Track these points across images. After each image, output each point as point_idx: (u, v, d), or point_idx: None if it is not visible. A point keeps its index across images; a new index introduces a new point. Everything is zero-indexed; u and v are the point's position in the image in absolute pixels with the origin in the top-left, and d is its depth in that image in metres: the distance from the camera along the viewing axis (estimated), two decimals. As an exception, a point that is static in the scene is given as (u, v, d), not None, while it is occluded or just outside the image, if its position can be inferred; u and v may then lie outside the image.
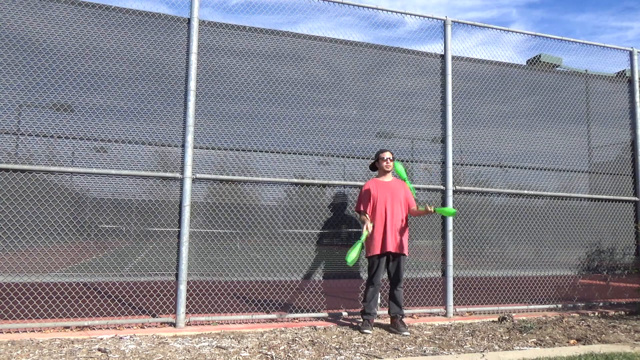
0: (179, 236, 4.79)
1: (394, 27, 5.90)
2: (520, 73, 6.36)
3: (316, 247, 5.32)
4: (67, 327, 4.47)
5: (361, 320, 5.01)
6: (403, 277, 4.96)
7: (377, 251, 4.86)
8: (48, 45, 4.63)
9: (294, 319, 5.15)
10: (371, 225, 4.87)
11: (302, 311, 5.25)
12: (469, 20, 6.46)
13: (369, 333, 4.67)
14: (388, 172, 5.07)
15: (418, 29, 5.89)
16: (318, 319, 5.19)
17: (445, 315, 5.61)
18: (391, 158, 5.04)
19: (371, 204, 4.96)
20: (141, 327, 4.61)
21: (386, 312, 5.08)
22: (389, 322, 4.97)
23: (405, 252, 4.93)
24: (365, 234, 4.79)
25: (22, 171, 4.46)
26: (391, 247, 4.83)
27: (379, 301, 5.41)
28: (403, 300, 4.94)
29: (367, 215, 4.92)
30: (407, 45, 5.88)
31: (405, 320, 4.97)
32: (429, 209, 4.76)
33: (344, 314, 5.33)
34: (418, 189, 5.70)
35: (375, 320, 5.22)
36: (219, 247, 4.97)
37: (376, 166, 5.14)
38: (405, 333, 4.67)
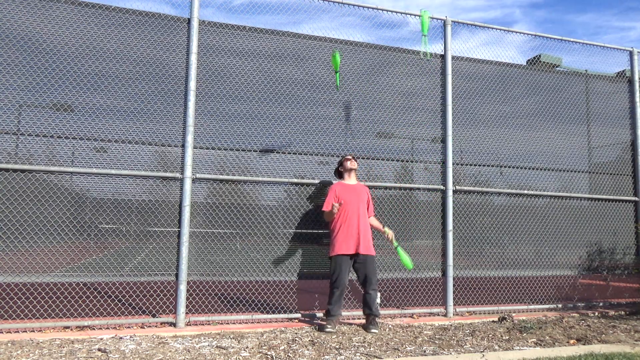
0: (179, 236, 4.79)
1: (397, 28, 5.90)
2: (520, 73, 6.36)
3: (316, 247, 5.32)
4: (67, 327, 4.47)
5: (325, 321, 4.86)
6: (376, 279, 4.92)
7: (350, 251, 4.84)
8: (48, 45, 4.63)
9: (294, 319, 5.15)
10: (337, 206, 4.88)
11: (302, 311, 5.25)
12: (472, 20, 6.45)
13: (332, 332, 4.65)
14: (352, 170, 5.13)
15: (421, 29, 5.88)
16: (318, 318, 5.19)
17: (445, 315, 5.61)
18: (352, 157, 5.18)
19: (338, 202, 4.96)
20: (141, 327, 4.61)
21: (392, 312, 5.11)
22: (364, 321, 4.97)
23: (374, 252, 4.97)
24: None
25: (22, 171, 4.46)
26: (362, 249, 4.85)
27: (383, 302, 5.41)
28: (375, 302, 4.87)
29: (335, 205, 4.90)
30: (410, 45, 5.89)
31: (405, 320, 4.97)
32: (389, 238, 5.06)
33: (344, 313, 5.32)
34: (418, 189, 5.69)
35: (381, 321, 5.22)
36: (219, 247, 4.97)
37: (340, 170, 5.21)
38: (374, 330, 4.71)
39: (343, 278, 4.83)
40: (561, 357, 3.87)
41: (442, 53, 5.97)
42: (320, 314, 5.24)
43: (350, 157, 5.17)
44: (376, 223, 5.23)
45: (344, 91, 5.55)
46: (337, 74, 5.20)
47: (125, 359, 3.63)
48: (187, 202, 4.81)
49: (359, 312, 5.38)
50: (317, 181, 5.35)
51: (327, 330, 4.64)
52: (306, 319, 5.17)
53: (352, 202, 4.96)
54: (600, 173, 6.65)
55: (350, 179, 5.15)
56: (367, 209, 5.12)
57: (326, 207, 4.99)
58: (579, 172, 6.54)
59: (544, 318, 5.62)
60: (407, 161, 5.75)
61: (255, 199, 5.17)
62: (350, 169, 5.13)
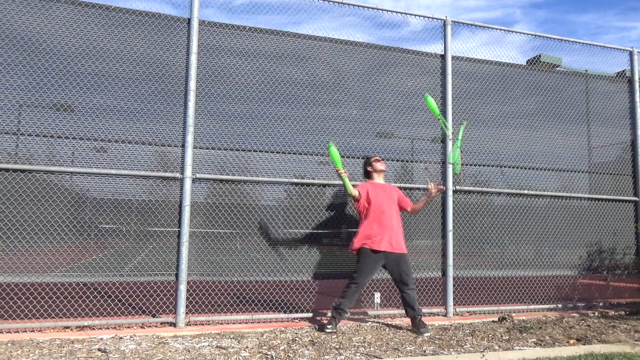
0: (179, 236, 4.79)
1: (398, 28, 5.90)
2: (520, 73, 6.36)
3: (316, 247, 5.32)
4: (67, 327, 4.47)
5: (329, 316, 4.79)
6: (412, 278, 4.85)
7: (378, 246, 4.74)
8: (48, 45, 4.63)
9: (294, 319, 5.15)
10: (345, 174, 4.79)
11: (302, 311, 5.25)
12: (473, 20, 6.46)
13: (332, 332, 4.61)
14: (382, 172, 5.09)
15: (422, 29, 5.89)
16: (318, 318, 5.19)
17: (445, 315, 5.61)
18: (380, 158, 5.14)
19: (369, 199, 4.90)
20: (141, 327, 4.61)
21: (392, 312, 5.07)
22: (410, 323, 4.89)
23: (405, 250, 4.92)
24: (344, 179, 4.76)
25: (22, 171, 4.46)
26: (389, 247, 4.79)
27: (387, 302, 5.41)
28: (417, 301, 4.82)
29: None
30: (411, 45, 5.89)
31: (405, 320, 4.95)
32: (438, 189, 4.94)
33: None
34: (418, 189, 5.69)
35: (381, 321, 5.23)
36: (219, 247, 4.97)
37: (369, 171, 5.13)
38: (427, 334, 4.62)
39: (367, 277, 4.77)
40: (561, 357, 3.87)
41: (442, 53, 5.97)
42: (321, 314, 5.24)
43: (379, 159, 5.14)
44: (419, 203, 5.07)
45: (344, 91, 5.55)
46: (344, 178, 4.84)
47: (125, 359, 3.63)
48: (187, 202, 4.81)
49: (359, 311, 5.39)
50: (317, 181, 5.35)
51: (327, 330, 4.63)
52: (307, 319, 5.17)
53: (383, 200, 4.91)
54: (600, 173, 6.65)
55: (380, 179, 5.11)
56: (401, 203, 5.05)
57: (357, 206, 4.96)
58: (579, 172, 6.54)
59: (544, 318, 5.62)
60: (407, 161, 5.75)
61: (255, 199, 5.17)
62: (381, 170, 5.09)
